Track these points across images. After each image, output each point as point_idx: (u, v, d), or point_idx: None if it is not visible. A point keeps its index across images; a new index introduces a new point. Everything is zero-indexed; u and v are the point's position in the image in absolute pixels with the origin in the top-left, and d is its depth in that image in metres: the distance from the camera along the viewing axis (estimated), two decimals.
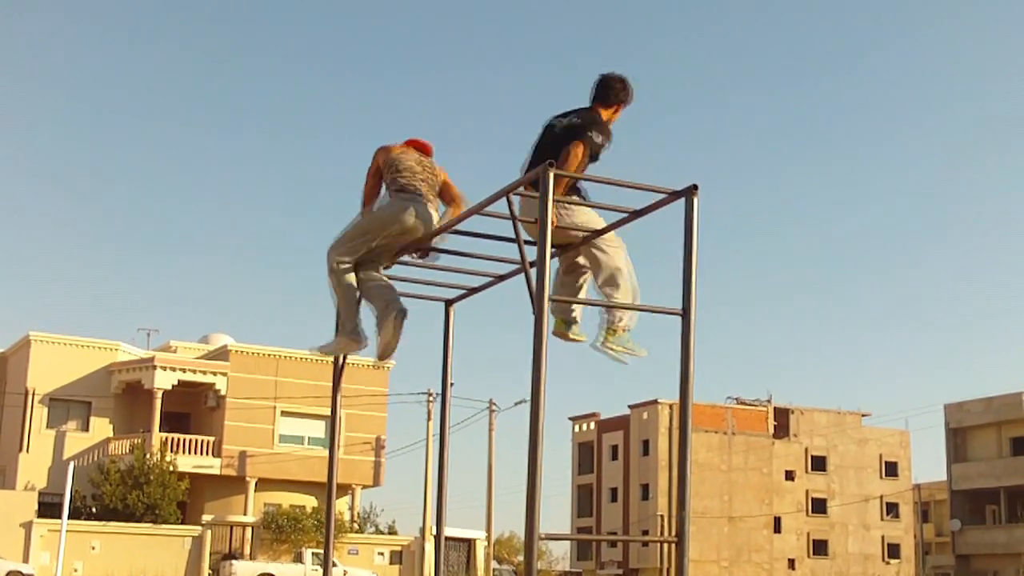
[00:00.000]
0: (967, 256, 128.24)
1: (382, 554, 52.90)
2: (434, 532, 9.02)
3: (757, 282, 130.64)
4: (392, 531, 57.28)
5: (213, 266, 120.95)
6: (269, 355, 55.07)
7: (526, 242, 5.99)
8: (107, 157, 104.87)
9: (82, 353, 54.52)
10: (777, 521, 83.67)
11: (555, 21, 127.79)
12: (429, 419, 52.33)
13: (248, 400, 53.78)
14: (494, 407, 55.12)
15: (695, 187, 5.98)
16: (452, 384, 8.87)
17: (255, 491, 53.62)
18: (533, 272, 5.71)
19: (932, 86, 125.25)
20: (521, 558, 79.67)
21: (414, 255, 7.53)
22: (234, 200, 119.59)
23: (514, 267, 7.34)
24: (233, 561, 46.67)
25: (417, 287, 8.13)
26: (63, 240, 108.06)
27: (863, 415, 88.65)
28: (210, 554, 48.80)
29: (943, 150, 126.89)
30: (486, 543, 53.81)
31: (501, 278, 7.58)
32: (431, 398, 52.59)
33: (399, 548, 53.46)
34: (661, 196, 6.10)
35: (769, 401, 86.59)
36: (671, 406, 79.38)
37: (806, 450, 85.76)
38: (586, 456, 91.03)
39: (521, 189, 6.29)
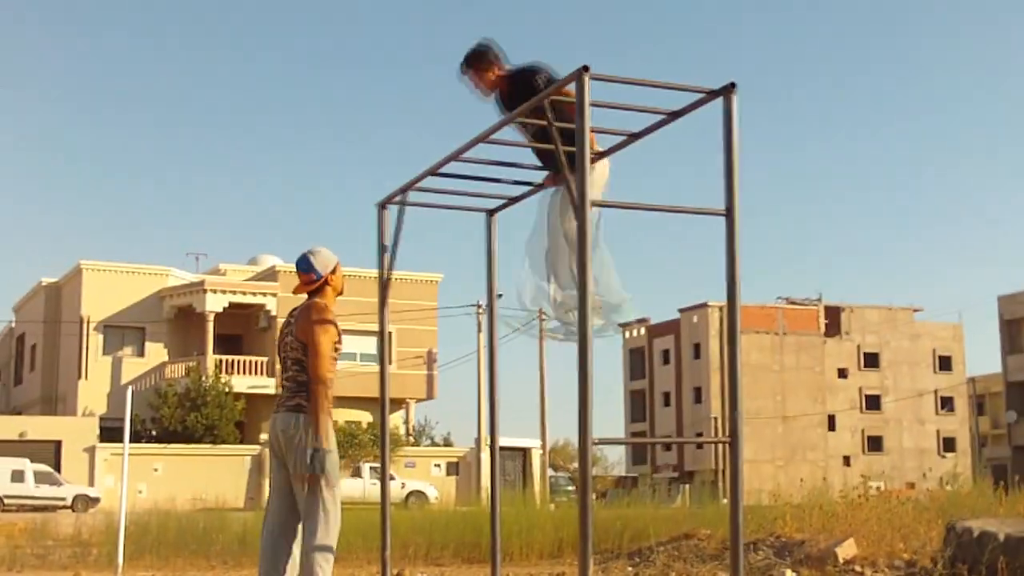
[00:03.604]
0: (1019, 147, 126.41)
1: (438, 466, 53.55)
2: (489, 442, 9.08)
3: (805, 181, 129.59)
4: (448, 443, 57.87)
5: (258, 187, 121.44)
6: None
7: (564, 149, 5.94)
8: (150, 83, 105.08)
9: (133, 280, 55.11)
10: (831, 419, 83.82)
11: None
12: (479, 331, 52.56)
13: None
14: (543, 316, 55.13)
15: (733, 85, 5.89)
16: (500, 295, 8.87)
17: None
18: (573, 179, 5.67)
19: None
20: (576, 464, 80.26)
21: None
22: (277, 121, 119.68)
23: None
24: None
25: (458, 198, 8.11)
26: (108, 168, 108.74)
27: (915, 310, 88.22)
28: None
29: (1001, 44, 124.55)
30: (541, 451, 54.27)
31: (542, 186, 7.53)
32: (480, 310, 52.77)
33: (455, 459, 54.06)
34: (699, 96, 6.03)
35: (819, 300, 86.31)
36: (721, 308, 79.34)
37: (858, 347, 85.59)
38: (637, 362, 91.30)
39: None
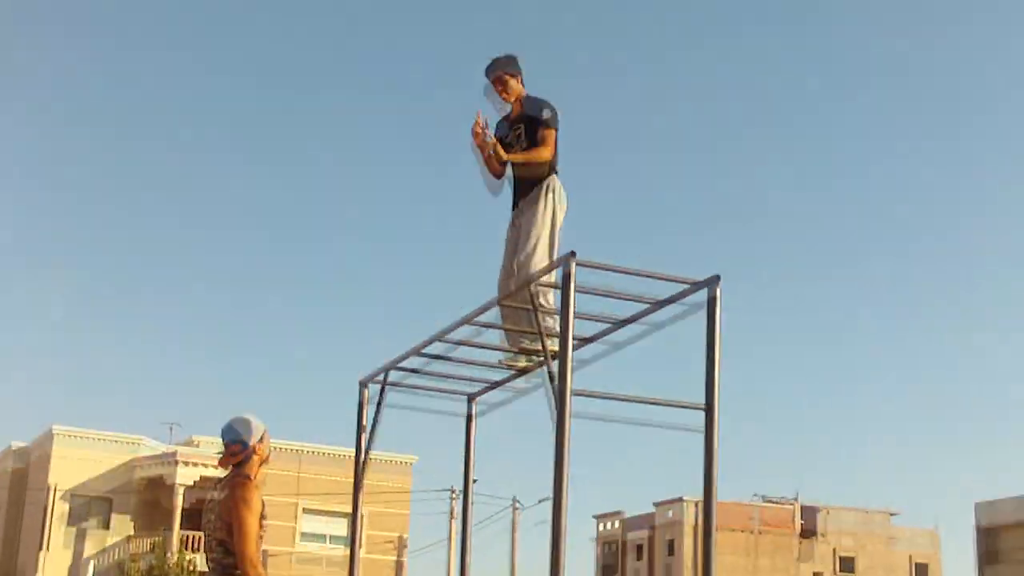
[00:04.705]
0: (996, 351, 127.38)
1: None
2: None
3: (783, 377, 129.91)
4: None
5: (235, 360, 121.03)
6: (291, 450, 54.79)
7: (547, 334, 5.93)
8: (127, 245, 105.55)
9: (105, 447, 54.42)
10: None
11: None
12: (452, 517, 51.83)
13: (269, 496, 53.32)
14: (517, 505, 54.59)
15: (717, 277, 5.90)
16: (475, 481, 8.76)
17: None
18: (555, 364, 5.65)
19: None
20: None
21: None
22: (254, 294, 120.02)
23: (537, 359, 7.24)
24: None
25: (439, 380, 8.06)
26: (85, 333, 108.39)
27: (891, 514, 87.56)
28: None
29: (966, 242, 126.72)
30: None
31: (524, 371, 7.48)
32: (454, 495, 52.15)
33: None
34: (684, 287, 6.04)
35: (796, 499, 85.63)
36: (696, 503, 78.58)
37: (834, 551, 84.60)
38: (611, 555, 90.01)
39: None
